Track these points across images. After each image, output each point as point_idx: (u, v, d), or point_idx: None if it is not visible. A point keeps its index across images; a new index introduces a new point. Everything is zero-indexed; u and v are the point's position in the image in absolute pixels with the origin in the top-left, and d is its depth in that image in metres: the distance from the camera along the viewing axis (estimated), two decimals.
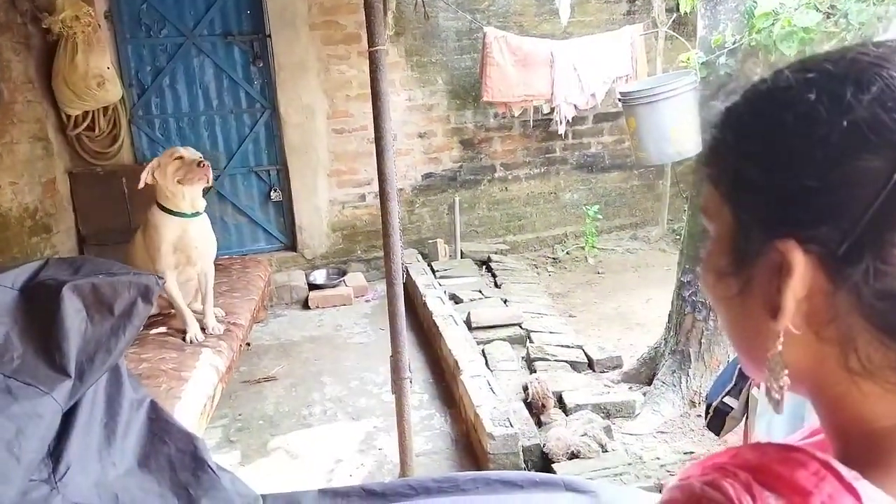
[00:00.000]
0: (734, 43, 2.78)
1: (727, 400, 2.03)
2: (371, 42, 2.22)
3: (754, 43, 2.74)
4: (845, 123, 0.42)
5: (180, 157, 2.82)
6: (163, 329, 2.99)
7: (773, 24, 2.68)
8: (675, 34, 4.72)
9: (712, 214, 0.51)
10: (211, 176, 2.85)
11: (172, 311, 3.00)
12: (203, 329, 2.91)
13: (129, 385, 1.72)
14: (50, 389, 1.42)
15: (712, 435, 2.24)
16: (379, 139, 2.29)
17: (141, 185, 2.80)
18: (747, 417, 2.03)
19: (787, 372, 0.47)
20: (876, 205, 0.41)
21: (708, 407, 2.11)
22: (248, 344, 3.81)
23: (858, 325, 0.44)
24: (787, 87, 0.46)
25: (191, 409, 2.38)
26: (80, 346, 1.50)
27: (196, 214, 2.88)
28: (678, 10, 4.13)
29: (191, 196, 2.85)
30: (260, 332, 4.15)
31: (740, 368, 1.90)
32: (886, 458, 0.44)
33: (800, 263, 0.44)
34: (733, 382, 1.99)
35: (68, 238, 4.36)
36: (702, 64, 2.89)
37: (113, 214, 4.45)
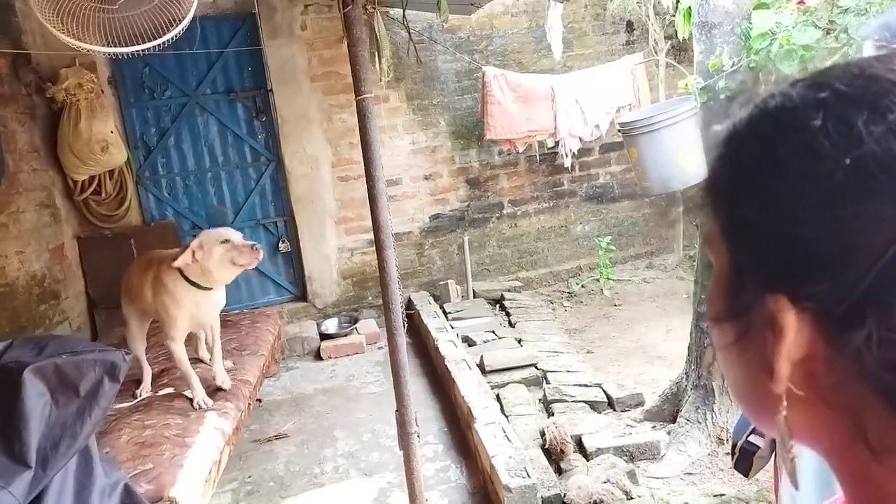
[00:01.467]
0: (733, 66, 2.72)
1: (752, 438, 1.91)
2: (357, 91, 2.20)
3: (753, 64, 2.68)
4: (850, 159, 0.34)
5: (227, 241, 2.75)
6: (170, 390, 2.94)
7: (770, 44, 2.62)
8: (671, 61, 4.68)
9: (714, 248, 0.45)
10: (261, 257, 2.79)
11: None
12: (220, 388, 2.87)
13: (100, 469, 1.64)
14: (7, 483, 1.34)
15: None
16: (371, 187, 2.25)
17: (179, 263, 2.67)
18: (775, 455, 1.91)
19: (793, 443, 0.39)
20: (883, 260, 0.33)
21: (733, 447, 1.99)
22: (259, 400, 3.74)
23: (867, 395, 0.36)
24: (792, 108, 0.39)
25: (195, 476, 2.30)
26: (44, 432, 1.43)
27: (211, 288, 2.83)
28: (676, 36, 4.12)
29: (227, 278, 2.80)
30: (272, 387, 4.08)
31: None
32: None
33: (791, 325, 0.37)
34: None
35: (78, 303, 4.35)
36: (700, 89, 2.83)
37: None
